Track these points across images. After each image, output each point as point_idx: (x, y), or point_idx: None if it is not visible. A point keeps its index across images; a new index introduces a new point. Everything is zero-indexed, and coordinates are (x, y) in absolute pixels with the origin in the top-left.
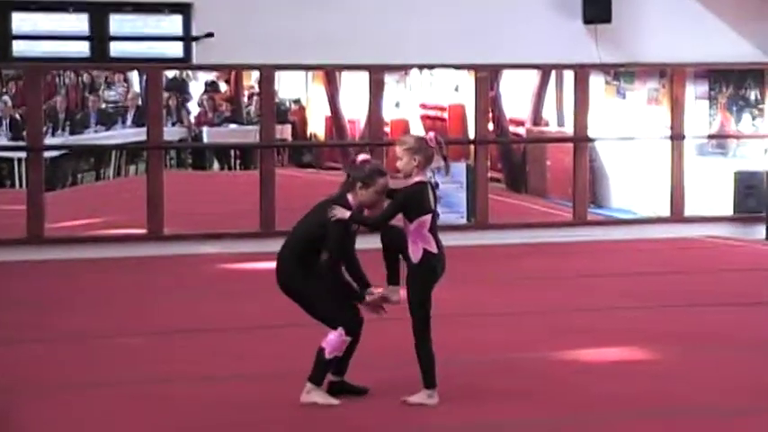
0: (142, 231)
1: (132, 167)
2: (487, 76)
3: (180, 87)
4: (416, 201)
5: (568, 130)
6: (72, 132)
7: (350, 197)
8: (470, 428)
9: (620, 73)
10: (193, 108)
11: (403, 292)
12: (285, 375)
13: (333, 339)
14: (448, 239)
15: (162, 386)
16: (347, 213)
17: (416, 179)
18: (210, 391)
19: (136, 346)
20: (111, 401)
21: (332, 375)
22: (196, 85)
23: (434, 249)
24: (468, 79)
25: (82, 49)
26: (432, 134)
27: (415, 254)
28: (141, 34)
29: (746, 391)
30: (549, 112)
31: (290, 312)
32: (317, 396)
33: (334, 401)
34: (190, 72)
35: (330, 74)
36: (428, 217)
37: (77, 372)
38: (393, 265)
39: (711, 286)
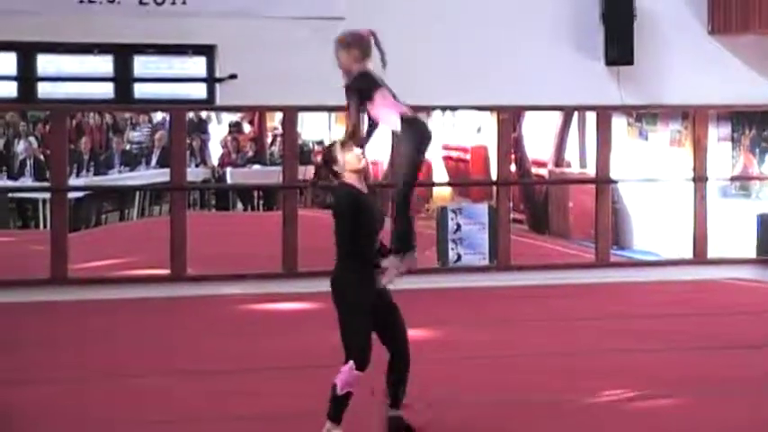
0: (165, 272)
1: (156, 208)
2: (510, 118)
3: (198, 128)
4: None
5: (591, 171)
6: (96, 173)
7: (347, 178)
8: None
9: (643, 114)
10: (215, 149)
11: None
12: (306, 415)
13: (343, 374)
14: (470, 281)
15: (183, 425)
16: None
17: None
18: (231, 430)
19: (159, 386)
20: None
21: (390, 409)
22: (216, 126)
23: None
24: (490, 120)
25: (106, 90)
26: (367, 29)
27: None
28: (165, 76)
29: None
30: (571, 153)
31: (311, 353)
32: None
33: None
34: (212, 113)
35: None
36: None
37: (100, 410)
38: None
39: (734, 329)
